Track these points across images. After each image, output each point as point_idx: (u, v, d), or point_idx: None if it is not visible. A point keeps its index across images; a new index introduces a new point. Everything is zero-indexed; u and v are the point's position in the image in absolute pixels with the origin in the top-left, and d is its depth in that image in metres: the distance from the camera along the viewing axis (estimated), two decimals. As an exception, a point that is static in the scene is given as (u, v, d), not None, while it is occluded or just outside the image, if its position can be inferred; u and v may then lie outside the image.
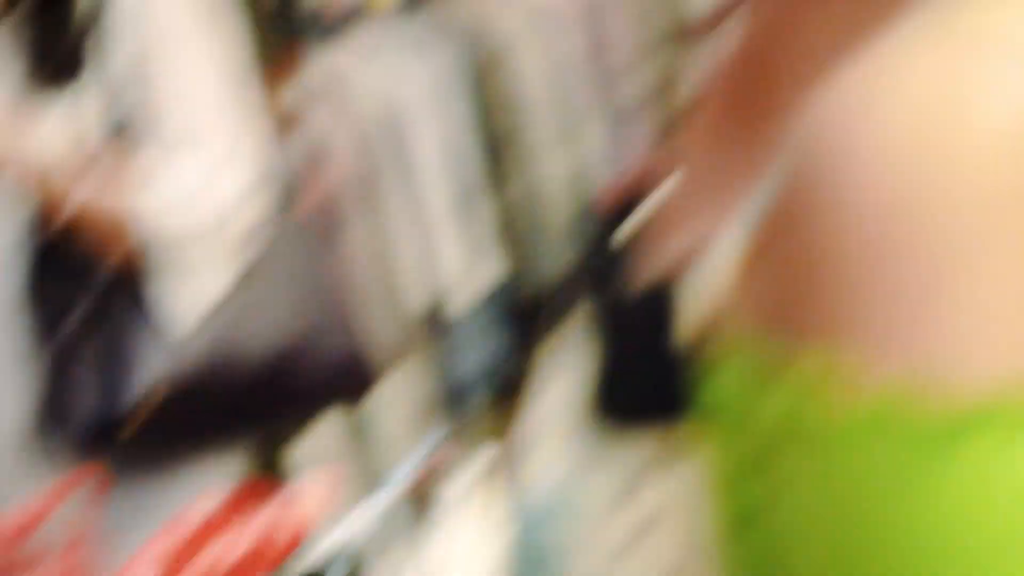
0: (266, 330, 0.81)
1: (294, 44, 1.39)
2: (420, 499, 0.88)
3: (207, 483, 0.78)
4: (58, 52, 0.75)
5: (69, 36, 0.74)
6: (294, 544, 0.65)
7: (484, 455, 1.09)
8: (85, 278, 0.73)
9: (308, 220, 0.90)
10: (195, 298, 0.77)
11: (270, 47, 1.28)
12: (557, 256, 1.84)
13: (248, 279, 0.81)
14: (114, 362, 0.75)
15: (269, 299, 0.83)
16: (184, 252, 0.75)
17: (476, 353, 1.57)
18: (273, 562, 0.64)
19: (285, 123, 1.23)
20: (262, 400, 0.84)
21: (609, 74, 1.95)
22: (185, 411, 0.76)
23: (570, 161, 1.88)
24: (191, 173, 0.74)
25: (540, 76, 1.84)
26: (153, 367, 0.73)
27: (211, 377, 0.76)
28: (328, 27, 1.47)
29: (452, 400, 1.45)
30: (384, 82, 1.49)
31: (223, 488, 0.73)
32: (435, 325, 1.43)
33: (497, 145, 1.73)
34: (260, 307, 0.82)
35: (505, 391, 1.47)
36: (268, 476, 0.79)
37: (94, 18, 0.74)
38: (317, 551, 0.68)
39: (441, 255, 1.50)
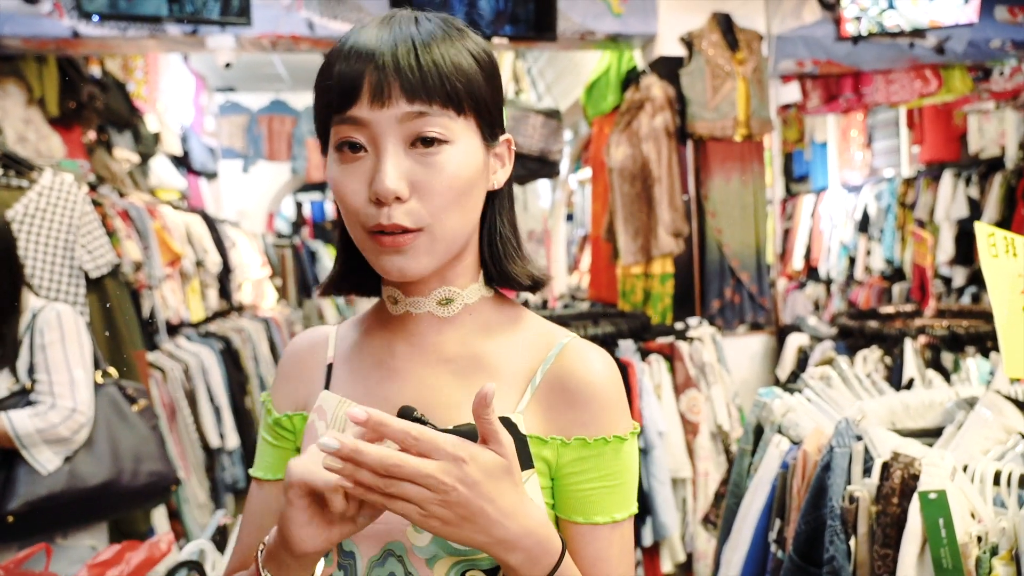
0: (98, 467, 1.71)
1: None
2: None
3: (86, 545, 1.59)
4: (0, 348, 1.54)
5: (6, 340, 1.52)
6: (154, 564, 1.29)
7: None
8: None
9: (140, 413, 1.84)
10: (55, 456, 1.65)
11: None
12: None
13: (89, 445, 1.71)
14: (5, 487, 1.58)
15: (100, 453, 1.73)
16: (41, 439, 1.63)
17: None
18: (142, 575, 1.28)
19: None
20: (99, 505, 1.72)
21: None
22: (51, 511, 1.59)
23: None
24: (57, 411, 1.65)
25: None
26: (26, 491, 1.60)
27: (66, 493, 1.64)
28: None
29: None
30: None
31: (107, 546, 1.38)
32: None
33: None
34: (95, 456, 1.71)
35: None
36: (133, 538, 1.44)
37: (25, 328, 1.62)
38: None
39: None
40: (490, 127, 0.71)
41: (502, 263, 0.74)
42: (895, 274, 5.63)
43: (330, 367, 0.79)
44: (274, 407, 0.80)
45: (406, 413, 0.65)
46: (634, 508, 0.73)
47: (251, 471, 0.80)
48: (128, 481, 1.74)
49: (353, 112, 0.66)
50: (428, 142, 0.66)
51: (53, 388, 1.65)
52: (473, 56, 0.68)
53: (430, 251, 0.68)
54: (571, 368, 0.71)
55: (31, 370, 1.67)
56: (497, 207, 0.75)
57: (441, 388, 0.72)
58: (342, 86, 0.66)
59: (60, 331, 1.69)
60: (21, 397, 1.65)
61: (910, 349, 2.86)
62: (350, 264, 0.77)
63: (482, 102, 0.68)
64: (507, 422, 0.65)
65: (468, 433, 0.62)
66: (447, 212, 0.67)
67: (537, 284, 0.76)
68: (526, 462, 0.67)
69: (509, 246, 0.75)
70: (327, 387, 0.77)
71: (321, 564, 0.65)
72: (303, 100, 7.29)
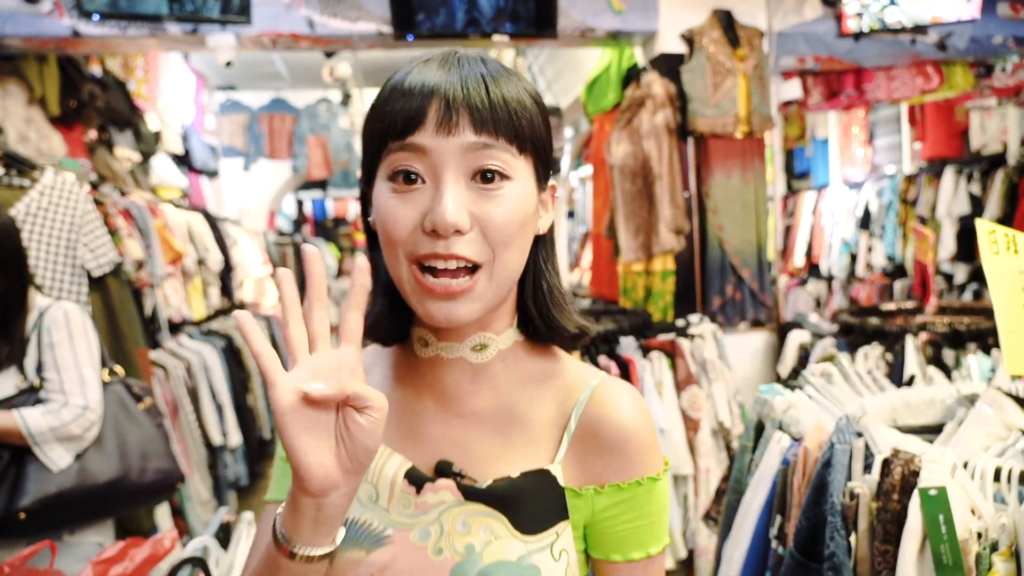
0: (107, 464, 1.72)
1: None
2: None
3: (93, 542, 1.61)
4: (9, 349, 1.55)
5: (14, 339, 1.52)
6: (158, 560, 1.29)
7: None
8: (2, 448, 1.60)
9: (146, 411, 1.85)
10: (66, 453, 1.65)
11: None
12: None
13: (98, 442, 1.72)
14: (15, 485, 1.57)
15: (108, 450, 1.74)
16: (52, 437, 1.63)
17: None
18: (146, 571, 1.28)
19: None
20: (107, 502, 1.73)
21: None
22: (62, 508, 1.60)
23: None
24: (69, 409, 1.67)
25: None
26: (38, 488, 1.61)
27: (76, 489, 1.64)
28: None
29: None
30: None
31: (111, 543, 1.38)
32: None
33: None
34: (104, 453, 1.73)
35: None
36: (137, 535, 1.44)
37: (32, 326, 1.62)
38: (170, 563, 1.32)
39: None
40: (544, 170, 0.70)
41: (550, 312, 0.72)
42: (897, 271, 5.62)
43: None
44: None
45: (443, 469, 0.68)
46: (667, 539, 0.74)
47: (266, 496, 0.75)
48: (136, 478, 1.76)
49: (415, 139, 0.63)
50: (490, 177, 0.64)
51: (64, 386, 1.66)
52: (533, 99, 0.68)
53: (485, 293, 0.65)
54: (603, 413, 0.70)
55: (39, 368, 1.69)
56: (542, 254, 0.73)
57: (473, 442, 0.71)
58: (406, 112, 0.64)
59: (68, 330, 1.71)
60: (30, 395, 1.66)
61: (911, 346, 2.86)
62: (387, 305, 0.73)
63: (540, 144, 0.68)
64: (546, 475, 0.68)
65: (506, 488, 0.66)
66: (507, 249, 0.65)
67: (582, 334, 0.74)
68: (562, 513, 0.68)
69: (556, 293, 0.73)
70: None
71: (341, 532, 0.61)
72: (303, 98, 7.29)
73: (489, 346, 0.71)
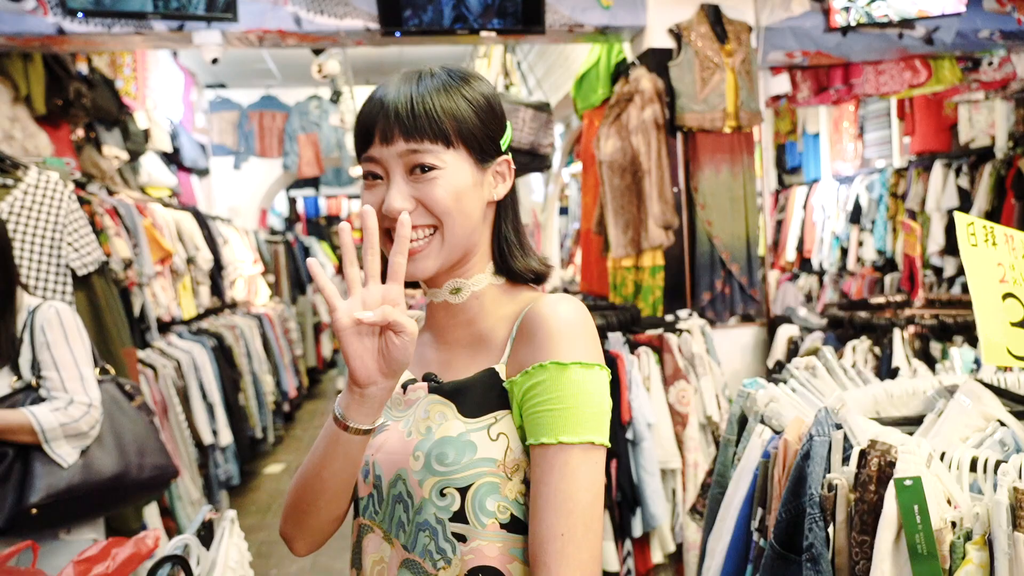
0: (109, 460, 1.71)
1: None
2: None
3: (88, 538, 1.61)
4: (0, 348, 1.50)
5: (4, 338, 1.51)
6: (142, 560, 1.29)
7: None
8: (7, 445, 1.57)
9: (138, 408, 1.85)
10: (72, 449, 1.64)
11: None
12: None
13: (99, 439, 1.71)
14: (23, 481, 1.54)
15: (108, 447, 1.73)
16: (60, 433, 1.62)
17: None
18: (129, 571, 1.27)
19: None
20: (109, 497, 1.70)
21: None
22: (69, 503, 1.57)
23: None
24: (76, 406, 1.68)
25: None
26: (47, 483, 1.57)
27: (83, 485, 1.61)
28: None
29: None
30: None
31: (100, 541, 1.38)
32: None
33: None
34: (104, 450, 1.71)
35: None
36: (124, 533, 1.44)
37: (23, 326, 1.63)
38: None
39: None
40: (481, 153, 0.88)
41: (508, 262, 0.91)
42: (887, 265, 5.65)
43: None
44: None
45: (427, 377, 0.90)
46: (587, 437, 0.78)
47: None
48: (135, 474, 1.79)
49: (370, 152, 0.86)
50: (425, 169, 0.84)
51: (65, 385, 1.68)
52: (467, 100, 0.86)
53: (438, 253, 0.85)
54: (532, 313, 0.84)
55: (34, 367, 1.69)
56: (502, 215, 0.92)
57: (452, 361, 0.91)
58: (363, 131, 0.86)
59: (62, 329, 1.72)
60: (27, 394, 1.67)
61: (899, 339, 2.87)
62: None
63: (471, 136, 0.86)
64: (491, 372, 0.85)
65: (458, 383, 0.86)
66: (450, 217, 0.84)
67: (540, 277, 0.93)
68: (501, 403, 0.83)
69: (514, 248, 0.92)
70: None
71: (381, 418, 0.83)
72: (294, 96, 7.26)
73: (462, 289, 0.90)
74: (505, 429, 0.82)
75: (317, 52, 5.27)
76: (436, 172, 0.84)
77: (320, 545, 0.93)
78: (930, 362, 2.71)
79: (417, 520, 0.83)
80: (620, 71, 3.52)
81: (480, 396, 0.84)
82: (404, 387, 0.91)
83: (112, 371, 1.90)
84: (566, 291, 5.54)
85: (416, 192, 0.84)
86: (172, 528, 2.96)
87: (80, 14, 2.95)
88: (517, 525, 0.82)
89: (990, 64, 4.03)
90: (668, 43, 3.35)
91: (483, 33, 3.18)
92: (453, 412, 0.84)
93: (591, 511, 0.77)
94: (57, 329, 1.71)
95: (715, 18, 3.34)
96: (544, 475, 0.78)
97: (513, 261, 0.91)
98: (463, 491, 0.81)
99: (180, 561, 1.26)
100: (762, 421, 1.41)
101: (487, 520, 0.81)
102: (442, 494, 0.81)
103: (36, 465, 1.62)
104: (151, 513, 2.65)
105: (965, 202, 4.84)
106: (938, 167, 5.01)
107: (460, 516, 0.81)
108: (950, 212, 4.87)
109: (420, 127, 0.83)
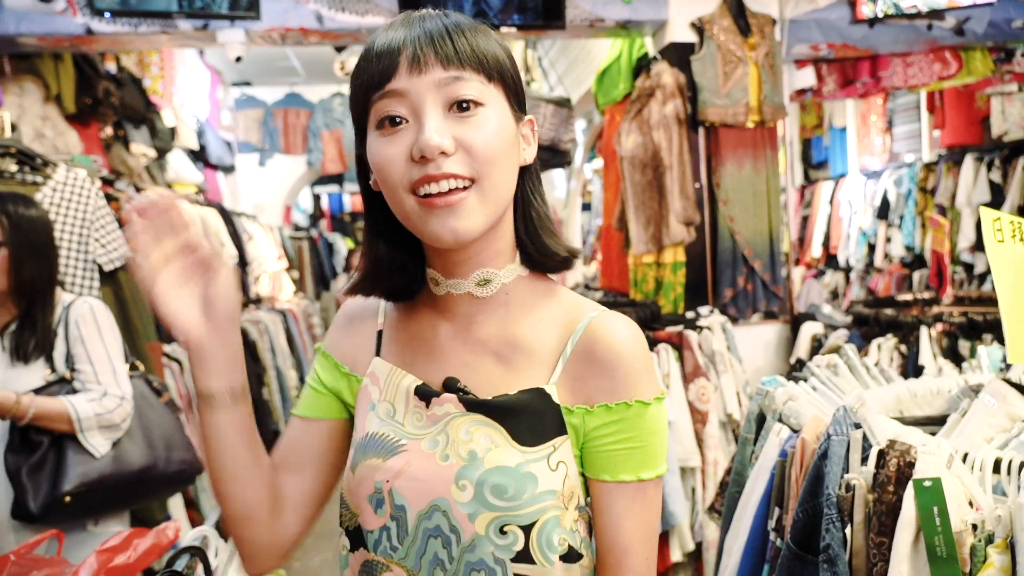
0: (138, 453, 1.75)
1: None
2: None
3: (114, 531, 1.63)
4: (36, 339, 1.58)
5: (40, 330, 1.55)
6: (162, 551, 1.32)
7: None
8: (43, 434, 1.57)
9: (166, 404, 1.91)
10: (105, 440, 1.68)
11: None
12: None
13: (128, 432, 1.75)
14: (57, 470, 1.59)
15: (137, 440, 1.77)
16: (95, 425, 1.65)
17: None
18: (150, 561, 1.30)
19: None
20: (137, 489, 1.75)
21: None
22: (100, 493, 1.61)
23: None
24: (110, 398, 1.72)
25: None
26: (80, 472, 1.63)
27: (113, 476, 1.65)
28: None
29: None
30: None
31: (123, 531, 1.41)
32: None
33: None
34: (134, 443, 1.75)
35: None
36: (149, 523, 1.48)
37: (57, 320, 1.69)
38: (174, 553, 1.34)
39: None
40: (517, 99, 0.75)
41: (539, 237, 0.78)
42: (915, 261, 5.54)
43: (379, 334, 0.84)
44: (325, 347, 0.87)
45: (449, 385, 0.76)
46: (661, 470, 0.76)
47: (292, 411, 0.86)
48: (163, 467, 1.84)
49: (392, 85, 0.70)
50: (465, 106, 0.70)
51: (99, 378, 1.73)
52: (496, 41, 0.74)
53: (480, 208, 0.71)
54: (597, 338, 0.75)
55: (68, 360, 1.74)
56: (528, 184, 0.79)
57: (478, 366, 0.77)
58: (381, 65, 0.70)
59: (96, 324, 1.77)
60: (61, 386, 1.72)
61: (925, 337, 2.82)
62: (377, 263, 0.81)
63: (508, 75, 0.74)
64: (541, 393, 0.74)
65: (504, 402, 0.74)
66: (493, 166, 0.70)
67: (572, 256, 0.80)
68: (559, 429, 0.74)
69: (545, 219, 0.79)
70: (378, 353, 0.83)
71: (247, 394, 0.76)
72: (318, 93, 7.32)
73: (492, 280, 0.77)
74: (564, 457, 0.74)
75: (339, 49, 5.30)
76: (481, 110, 0.70)
77: (275, 560, 0.84)
78: (958, 361, 2.65)
79: (468, 559, 0.72)
80: (642, 66, 3.49)
81: (534, 421, 0.73)
82: (425, 398, 0.77)
83: (141, 367, 1.96)
84: (587, 287, 5.53)
85: (456, 132, 0.69)
86: (197, 519, 3.01)
87: (107, 14, 3.00)
88: (572, 555, 0.74)
89: (1023, 55, 3.93)
90: (690, 37, 3.32)
91: (504, 29, 3.18)
92: (504, 438, 0.73)
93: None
94: (91, 324, 1.76)
95: (738, 11, 3.29)
96: (626, 510, 0.74)
97: (547, 237, 0.78)
98: (526, 528, 0.71)
99: (198, 552, 1.28)
100: (780, 420, 1.39)
101: (554, 557, 0.72)
102: (502, 531, 0.71)
103: (69, 454, 1.67)
104: (176, 505, 2.70)
105: (997, 197, 4.73)
106: (969, 161, 4.90)
107: (524, 556, 0.71)
108: (981, 207, 4.77)
109: (462, 52, 0.69)
